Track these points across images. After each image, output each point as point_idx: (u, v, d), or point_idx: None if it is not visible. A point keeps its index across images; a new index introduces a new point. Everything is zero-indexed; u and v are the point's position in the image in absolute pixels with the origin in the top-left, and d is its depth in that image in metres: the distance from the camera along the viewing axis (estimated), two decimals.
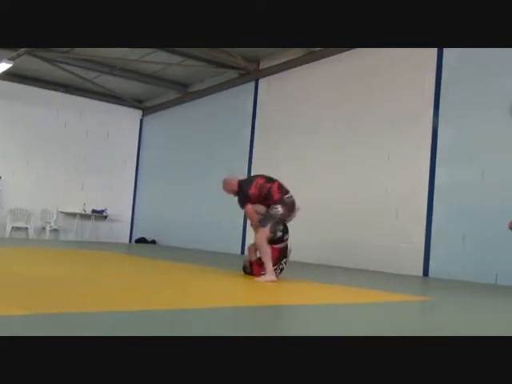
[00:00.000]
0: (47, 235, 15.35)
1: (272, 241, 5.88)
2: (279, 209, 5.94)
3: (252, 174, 12.75)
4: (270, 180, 6.24)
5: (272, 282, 5.61)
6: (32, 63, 13.52)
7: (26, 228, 15.10)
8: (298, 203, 6.26)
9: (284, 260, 6.01)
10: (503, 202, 8.03)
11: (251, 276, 6.06)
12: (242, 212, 6.56)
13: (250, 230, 6.79)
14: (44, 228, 15.43)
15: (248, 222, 6.43)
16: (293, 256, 6.40)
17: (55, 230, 15.61)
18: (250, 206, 6.04)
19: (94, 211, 16.10)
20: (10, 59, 12.13)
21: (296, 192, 11.44)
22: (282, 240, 6.00)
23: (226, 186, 6.25)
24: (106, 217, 16.39)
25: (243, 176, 8.21)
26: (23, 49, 12.01)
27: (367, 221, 9.88)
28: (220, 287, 5.43)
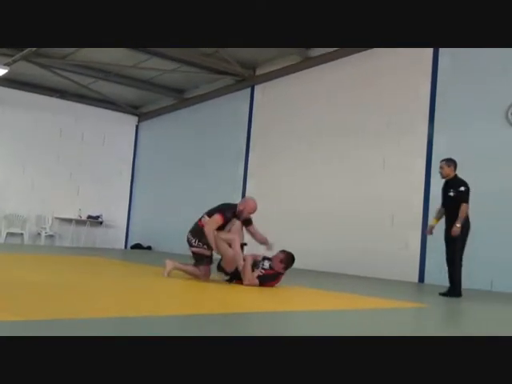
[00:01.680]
0: (42, 241, 15.29)
1: None
2: None
3: (247, 181, 12.77)
4: None
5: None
6: (28, 69, 13.50)
7: (21, 234, 15.05)
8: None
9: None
10: (498, 209, 8.05)
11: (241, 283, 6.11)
12: None
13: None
14: (39, 234, 15.38)
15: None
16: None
17: (50, 235, 15.56)
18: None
19: (89, 217, 16.06)
20: (6, 65, 12.12)
21: (291, 198, 11.47)
22: None
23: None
24: (101, 222, 16.34)
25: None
26: (19, 54, 12.00)
27: (363, 227, 9.88)
28: (209, 294, 5.42)
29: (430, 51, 9.22)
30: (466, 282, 8.10)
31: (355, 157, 10.28)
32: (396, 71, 9.84)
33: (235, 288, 5.81)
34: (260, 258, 6.25)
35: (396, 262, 9.20)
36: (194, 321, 3.54)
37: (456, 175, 6.83)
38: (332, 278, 8.76)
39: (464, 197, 6.57)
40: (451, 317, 5.25)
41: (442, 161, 6.97)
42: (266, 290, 5.73)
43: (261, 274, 6.05)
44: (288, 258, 6.17)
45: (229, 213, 6.23)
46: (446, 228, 6.68)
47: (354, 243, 9.94)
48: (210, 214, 6.30)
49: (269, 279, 6.06)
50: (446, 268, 6.75)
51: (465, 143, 8.59)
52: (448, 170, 6.81)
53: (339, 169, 10.61)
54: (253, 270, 6.08)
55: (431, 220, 7.10)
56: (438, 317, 4.99)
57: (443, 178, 6.90)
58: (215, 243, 6.10)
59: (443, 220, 6.88)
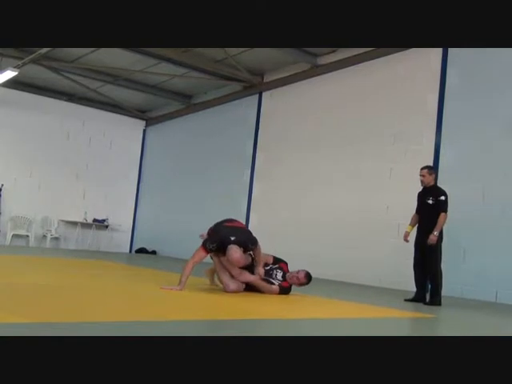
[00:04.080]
0: (48, 243, 15.32)
1: None
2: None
3: (254, 187, 12.76)
4: None
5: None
6: (37, 72, 13.58)
7: (27, 236, 15.08)
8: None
9: None
10: (504, 219, 8.02)
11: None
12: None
13: None
14: (45, 236, 15.41)
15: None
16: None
17: (56, 238, 15.59)
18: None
19: (95, 220, 16.10)
20: (15, 67, 12.19)
21: (297, 205, 11.44)
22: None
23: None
24: (107, 226, 16.37)
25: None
26: (28, 57, 12.08)
27: (368, 236, 9.85)
28: (212, 300, 5.41)
29: (438, 62, 9.21)
30: (470, 293, 8.09)
31: (362, 166, 10.27)
32: (404, 81, 9.83)
33: (238, 295, 5.80)
34: (271, 261, 6.18)
35: (401, 272, 9.16)
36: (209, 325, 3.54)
37: (435, 183, 6.95)
38: (338, 287, 8.73)
39: (444, 206, 6.66)
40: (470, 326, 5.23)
41: (424, 168, 7.04)
42: (272, 298, 5.71)
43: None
44: (308, 281, 6.13)
45: (212, 244, 5.69)
46: (420, 235, 6.82)
47: (360, 252, 9.91)
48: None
49: (282, 291, 6.01)
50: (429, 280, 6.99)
51: (472, 154, 8.58)
52: (429, 178, 6.91)
53: (346, 177, 10.59)
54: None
55: (406, 227, 7.24)
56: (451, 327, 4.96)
57: (423, 185, 6.99)
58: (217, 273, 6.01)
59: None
